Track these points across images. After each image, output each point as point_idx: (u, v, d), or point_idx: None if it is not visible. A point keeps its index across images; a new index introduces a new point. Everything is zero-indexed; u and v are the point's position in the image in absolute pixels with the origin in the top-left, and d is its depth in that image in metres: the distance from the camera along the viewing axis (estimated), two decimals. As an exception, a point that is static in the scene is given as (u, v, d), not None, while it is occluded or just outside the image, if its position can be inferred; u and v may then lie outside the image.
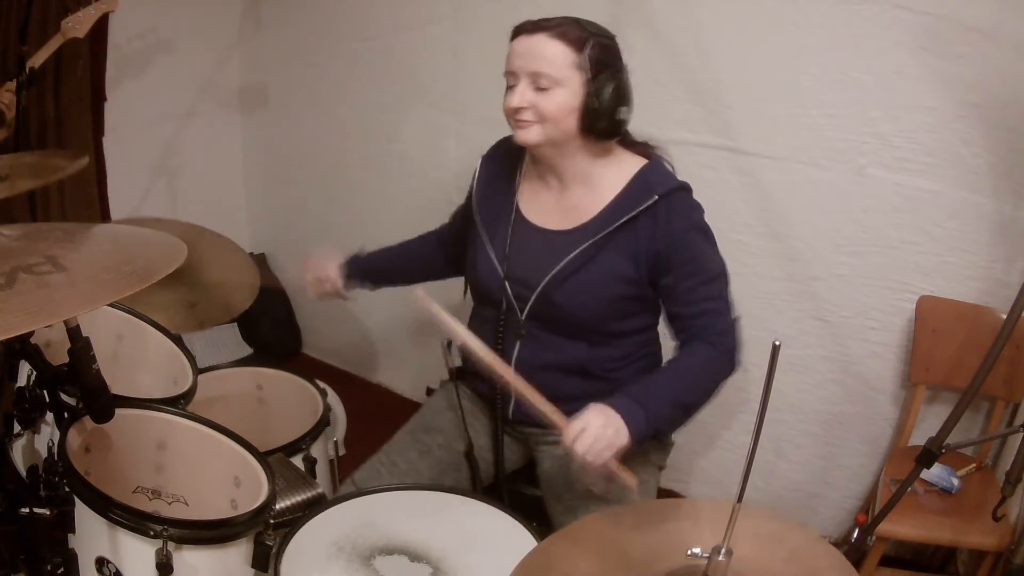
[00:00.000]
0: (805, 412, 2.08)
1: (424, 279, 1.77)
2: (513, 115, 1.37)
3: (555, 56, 1.32)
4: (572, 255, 1.40)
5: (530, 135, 1.37)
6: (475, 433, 1.60)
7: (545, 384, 1.46)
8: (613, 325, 1.44)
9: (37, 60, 2.05)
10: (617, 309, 1.43)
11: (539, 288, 1.42)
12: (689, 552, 0.87)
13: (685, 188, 1.41)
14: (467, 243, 1.59)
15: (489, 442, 1.60)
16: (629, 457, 1.26)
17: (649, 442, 1.53)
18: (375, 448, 1.59)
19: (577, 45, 1.33)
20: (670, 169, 1.45)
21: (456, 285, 1.64)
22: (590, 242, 1.39)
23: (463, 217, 1.63)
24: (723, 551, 0.83)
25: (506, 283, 1.47)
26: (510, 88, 1.38)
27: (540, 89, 1.34)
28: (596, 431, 1.19)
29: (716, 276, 1.42)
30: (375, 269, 1.74)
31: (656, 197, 1.37)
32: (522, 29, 1.36)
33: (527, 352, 1.47)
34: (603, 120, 1.35)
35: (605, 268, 1.40)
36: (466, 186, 1.59)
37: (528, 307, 1.45)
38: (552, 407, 1.26)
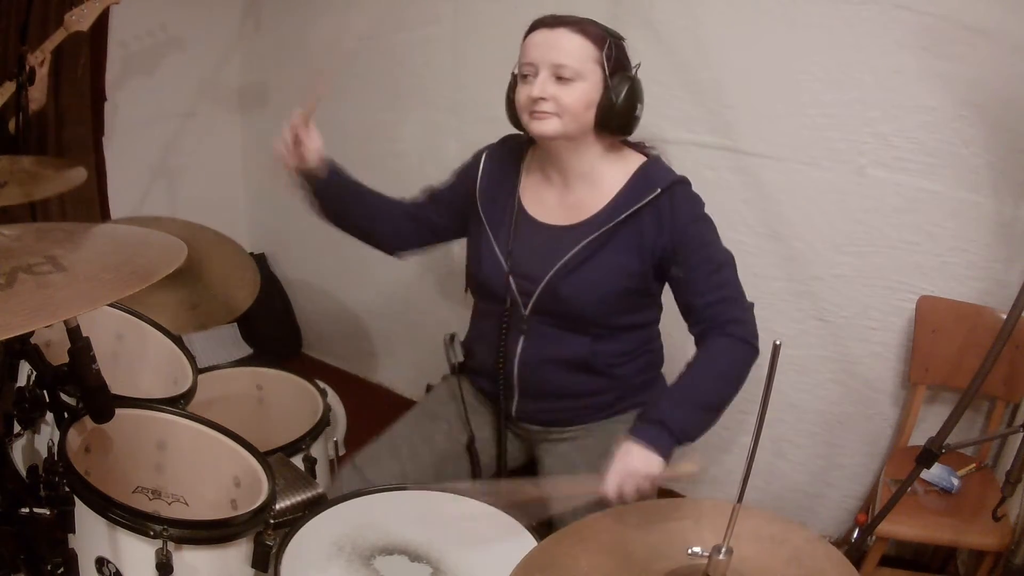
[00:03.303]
0: (805, 412, 2.08)
1: (374, 232, 1.66)
2: (531, 106, 1.37)
3: (578, 49, 1.34)
4: (576, 249, 1.41)
5: (548, 127, 1.37)
6: (477, 427, 1.60)
7: (548, 379, 1.47)
8: (616, 319, 1.45)
9: (39, 56, 2.05)
10: (621, 303, 1.44)
11: (544, 282, 1.43)
12: (689, 551, 0.87)
13: (685, 181, 1.44)
14: (439, 230, 1.62)
15: (491, 436, 1.61)
16: None
17: None
18: (375, 448, 1.59)
19: (598, 41, 1.35)
20: (669, 165, 1.47)
21: (454, 287, 1.63)
22: (594, 236, 1.40)
23: (454, 207, 1.60)
24: (723, 550, 0.83)
25: (510, 278, 1.47)
26: (525, 79, 1.38)
27: (561, 80, 1.35)
28: (633, 481, 1.24)
29: (725, 264, 1.43)
30: (343, 188, 1.61)
31: (659, 190, 1.38)
32: (543, 23, 1.38)
33: (530, 347, 1.48)
34: (619, 117, 1.37)
35: (609, 262, 1.41)
36: (466, 185, 1.59)
37: (532, 302, 1.45)
38: (581, 485, 1.29)
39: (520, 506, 1.28)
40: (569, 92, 1.35)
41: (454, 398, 1.63)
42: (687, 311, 1.45)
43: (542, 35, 1.37)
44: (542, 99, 1.35)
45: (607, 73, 1.35)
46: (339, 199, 1.61)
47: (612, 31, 1.39)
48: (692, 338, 1.44)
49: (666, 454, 1.27)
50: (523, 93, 1.38)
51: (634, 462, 1.25)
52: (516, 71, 1.43)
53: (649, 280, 1.43)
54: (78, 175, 1.79)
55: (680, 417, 1.31)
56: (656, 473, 1.25)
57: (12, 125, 2.04)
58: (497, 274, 1.49)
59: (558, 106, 1.35)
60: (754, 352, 1.40)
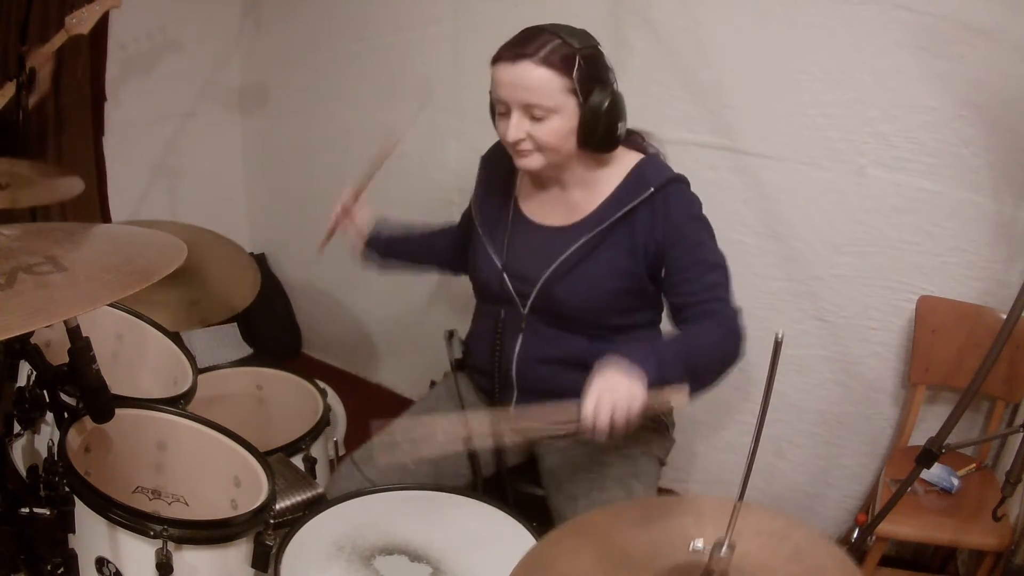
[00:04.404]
0: (805, 412, 2.08)
1: (433, 267, 1.80)
2: (511, 145, 1.36)
3: (544, 85, 1.29)
4: (571, 250, 1.40)
5: (531, 162, 1.37)
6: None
7: (546, 377, 1.47)
8: (614, 320, 1.45)
9: (39, 58, 2.05)
10: (617, 303, 1.43)
11: (539, 283, 1.43)
12: (691, 547, 0.87)
13: (682, 180, 1.42)
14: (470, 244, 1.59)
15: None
16: (633, 446, 1.24)
17: (651, 434, 1.53)
18: (375, 448, 1.59)
19: (565, 68, 1.29)
20: (665, 162, 1.45)
21: (455, 286, 1.64)
22: (588, 237, 1.39)
23: (466, 219, 1.64)
24: (725, 546, 0.83)
25: (505, 277, 1.47)
26: (501, 116, 1.36)
27: (535, 119, 1.32)
28: (611, 399, 1.12)
29: (717, 266, 1.41)
30: (397, 244, 1.74)
31: (652, 189, 1.37)
32: (503, 57, 1.32)
33: (528, 346, 1.48)
34: (600, 137, 1.35)
35: (604, 262, 1.40)
36: (467, 186, 1.60)
37: (529, 302, 1.45)
38: (558, 412, 1.18)
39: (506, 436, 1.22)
40: (544, 129, 1.32)
41: (452, 397, 1.63)
42: (677, 310, 1.41)
43: (506, 72, 1.31)
44: (519, 139, 1.33)
45: (581, 99, 1.31)
46: (390, 251, 1.72)
47: (581, 40, 1.31)
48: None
49: (649, 378, 1.15)
50: (500, 129, 1.37)
51: (616, 376, 1.14)
52: (491, 95, 1.39)
53: (644, 280, 1.41)
54: (75, 185, 1.80)
55: (668, 359, 1.22)
56: (637, 394, 1.12)
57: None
58: (493, 276, 1.49)
59: (536, 143, 1.34)
60: (738, 353, 1.32)
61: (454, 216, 1.75)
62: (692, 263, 1.38)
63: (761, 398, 0.76)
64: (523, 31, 1.33)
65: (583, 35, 1.34)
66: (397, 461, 1.24)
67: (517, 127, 1.32)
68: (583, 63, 1.30)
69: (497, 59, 1.33)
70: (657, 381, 1.16)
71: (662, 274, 1.40)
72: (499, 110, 1.37)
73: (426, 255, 1.78)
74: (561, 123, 1.32)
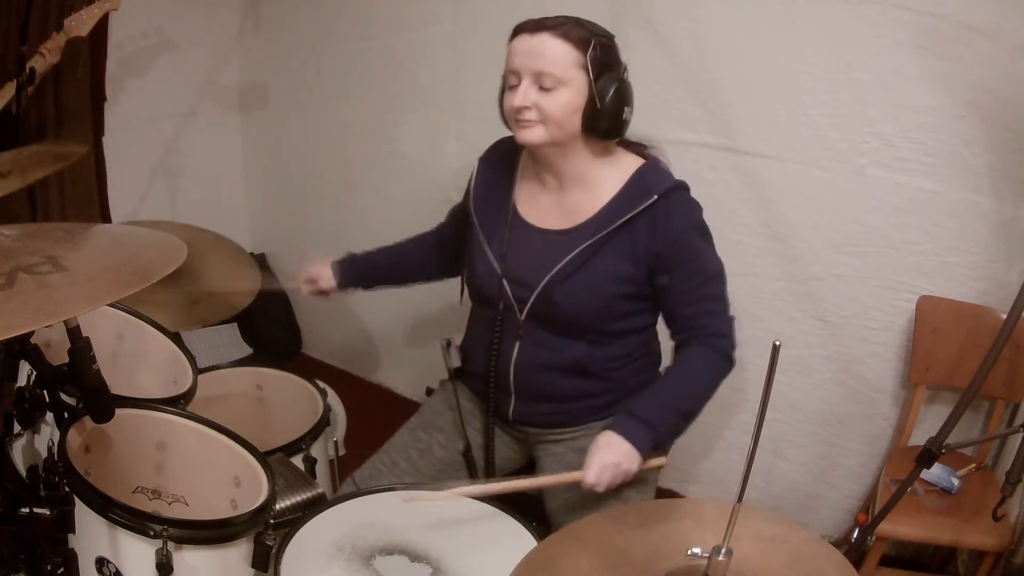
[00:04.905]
0: (805, 412, 2.08)
1: (418, 280, 1.80)
2: (515, 115, 1.36)
3: (559, 56, 1.32)
4: (571, 255, 1.39)
5: (533, 135, 1.36)
6: (473, 433, 1.60)
7: (544, 382, 1.47)
8: (612, 325, 1.44)
9: (39, 60, 2.05)
10: (616, 309, 1.43)
11: (538, 288, 1.42)
12: (689, 552, 0.87)
13: (683, 187, 1.42)
14: (464, 244, 1.59)
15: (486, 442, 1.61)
16: None
17: None
18: (375, 448, 1.60)
19: (581, 45, 1.32)
20: (667, 168, 1.45)
21: (454, 286, 1.64)
22: (589, 242, 1.39)
23: (460, 218, 1.63)
24: (723, 551, 0.83)
25: (504, 283, 1.46)
26: (511, 88, 1.37)
27: (544, 89, 1.33)
28: (611, 473, 1.29)
29: (715, 276, 1.43)
30: (368, 270, 1.75)
31: (655, 197, 1.37)
32: (524, 28, 1.35)
33: (525, 352, 1.47)
34: (606, 120, 1.35)
35: (604, 268, 1.40)
36: (465, 185, 1.59)
37: (527, 307, 1.45)
38: (559, 476, 1.36)
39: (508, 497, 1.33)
40: (552, 100, 1.33)
41: (450, 407, 1.62)
42: (670, 319, 1.46)
43: (524, 42, 1.34)
44: (525, 108, 1.34)
45: (592, 77, 1.33)
46: (370, 278, 1.76)
47: (599, 30, 1.36)
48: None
49: (645, 452, 1.33)
50: (507, 101, 1.37)
51: (615, 455, 1.30)
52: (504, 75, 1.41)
53: (644, 286, 1.41)
54: (78, 149, 1.80)
55: (663, 420, 1.37)
56: (634, 469, 1.31)
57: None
58: (491, 280, 1.48)
59: (541, 114, 1.34)
60: (731, 366, 1.44)
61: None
62: (689, 273, 1.40)
63: (760, 399, 0.76)
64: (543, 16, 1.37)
65: (601, 27, 1.37)
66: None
67: (525, 94, 1.33)
68: (598, 47, 1.34)
69: (517, 31, 1.37)
70: (652, 449, 1.35)
71: (660, 281, 1.41)
72: (510, 82, 1.37)
73: (411, 269, 1.78)
74: (569, 97, 1.33)
